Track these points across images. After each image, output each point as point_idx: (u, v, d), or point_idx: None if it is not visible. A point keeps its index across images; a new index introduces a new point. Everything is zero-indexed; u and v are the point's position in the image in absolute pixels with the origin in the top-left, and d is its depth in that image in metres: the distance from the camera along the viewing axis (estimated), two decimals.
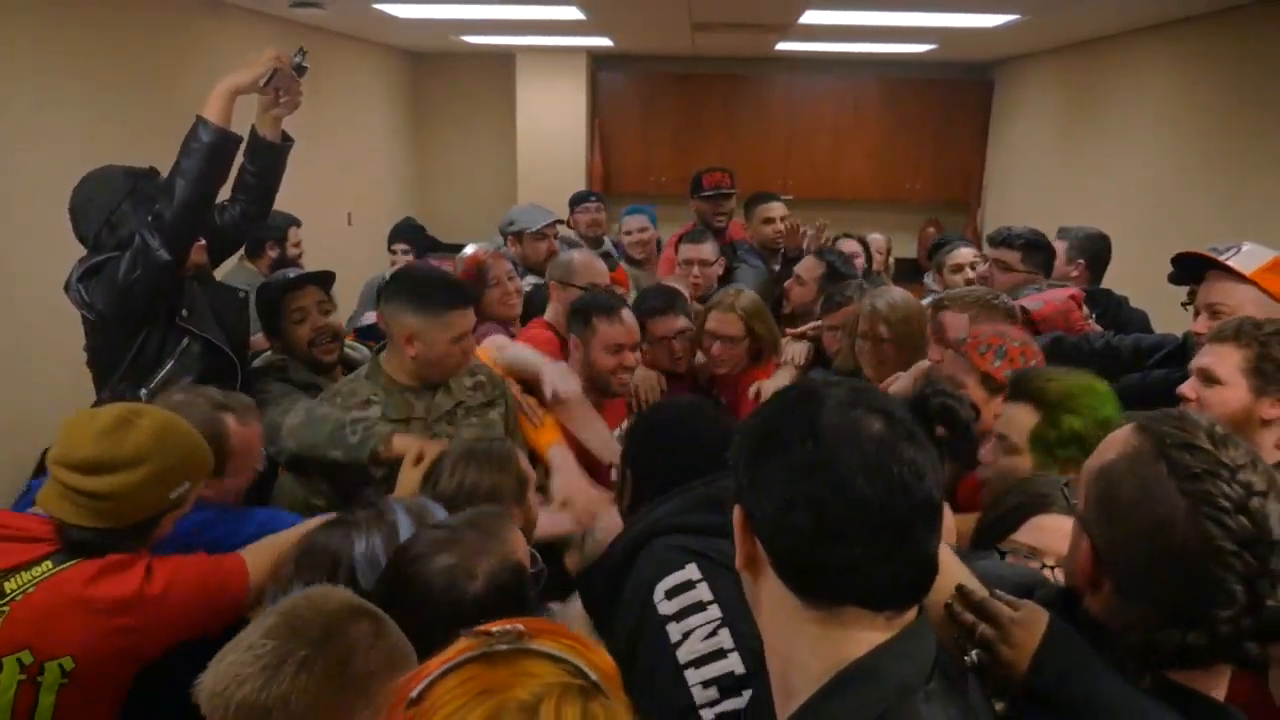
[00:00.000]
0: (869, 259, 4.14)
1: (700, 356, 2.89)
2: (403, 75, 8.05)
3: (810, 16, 4.91)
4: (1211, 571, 0.87)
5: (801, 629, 0.84)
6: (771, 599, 0.87)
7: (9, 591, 1.38)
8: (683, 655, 1.17)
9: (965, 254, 3.60)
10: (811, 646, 0.84)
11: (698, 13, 5.03)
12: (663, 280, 3.41)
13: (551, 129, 7.70)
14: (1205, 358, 1.74)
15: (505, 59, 7.71)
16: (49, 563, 1.42)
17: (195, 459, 1.54)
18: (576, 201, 4.61)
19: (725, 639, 1.17)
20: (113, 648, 1.42)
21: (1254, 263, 1.99)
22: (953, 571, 1.01)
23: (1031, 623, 0.93)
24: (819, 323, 2.91)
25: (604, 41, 6.92)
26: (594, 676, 0.73)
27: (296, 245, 3.97)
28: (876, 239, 4.69)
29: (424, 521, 1.43)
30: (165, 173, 2.29)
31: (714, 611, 1.20)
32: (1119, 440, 0.98)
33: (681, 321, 2.76)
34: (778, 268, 3.91)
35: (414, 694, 0.72)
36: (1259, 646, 0.88)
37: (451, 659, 0.73)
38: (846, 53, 7.32)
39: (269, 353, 2.61)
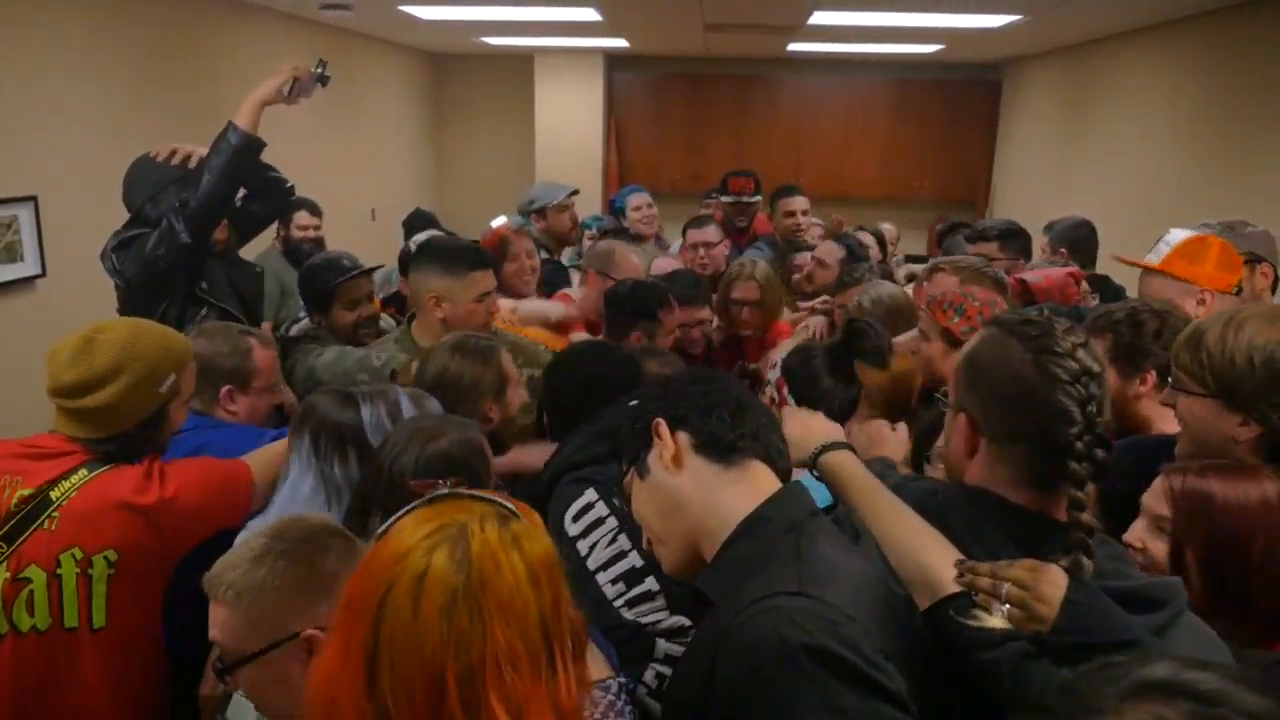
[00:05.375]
0: (884, 249, 4.35)
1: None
2: (425, 76, 8.27)
3: (819, 18, 5.08)
4: (1057, 400, 1.13)
5: (723, 490, 1.14)
6: (697, 478, 1.16)
7: (55, 499, 1.57)
8: (592, 563, 1.44)
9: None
10: (730, 501, 1.13)
11: (710, 14, 5.20)
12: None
13: (568, 128, 7.90)
14: None
15: (524, 60, 7.92)
16: (84, 470, 1.60)
17: (170, 352, 1.68)
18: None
19: (624, 541, 1.45)
20: (145, 542, 1.60)
21: (1168, 249, 2.17)
22: (907, 517, 1.22)
23: (1053, 574, 1.07)
24: (829, 297, 3.13)
25: (620, 43, 7.11)
26: (511, 508, 0.94)
27: (303, 229, 4.08)
28: (888, 229, 4.91)
29: (421, 403, 1.65)
30: None
31: (611, 522, 1.47)
32: (975, 337, 1.27)
33: (705, 312, 3.02)
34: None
35: (379, 531, 0.94)
36: (1103, 453, 1.13)
37: (406, 508, 0.95)
38: (855, 54, 7.48)
39: (304, 323, 2.81)
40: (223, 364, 1.98)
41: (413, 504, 0.95)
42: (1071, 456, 1.12)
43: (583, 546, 1.47)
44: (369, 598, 0.87)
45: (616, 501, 1.48)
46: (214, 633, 1.20)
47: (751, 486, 1.14)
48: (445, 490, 0.97)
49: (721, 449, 1.15)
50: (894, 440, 1.69)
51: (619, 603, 1.41)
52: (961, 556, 1.14)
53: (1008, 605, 1.07)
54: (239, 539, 1.30)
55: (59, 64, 3.68)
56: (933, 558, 1.15)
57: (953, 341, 2.01)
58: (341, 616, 0.91)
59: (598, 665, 1.21)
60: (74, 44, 3.77)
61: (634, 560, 1.43)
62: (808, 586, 0.98)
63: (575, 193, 3.98)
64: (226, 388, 1.98)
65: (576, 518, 1.50)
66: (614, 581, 1.42)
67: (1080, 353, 1.15)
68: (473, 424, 1.67)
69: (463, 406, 1.89)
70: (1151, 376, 1.77)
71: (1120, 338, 1.79)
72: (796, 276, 3.67)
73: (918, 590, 1.15)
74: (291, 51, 5.47)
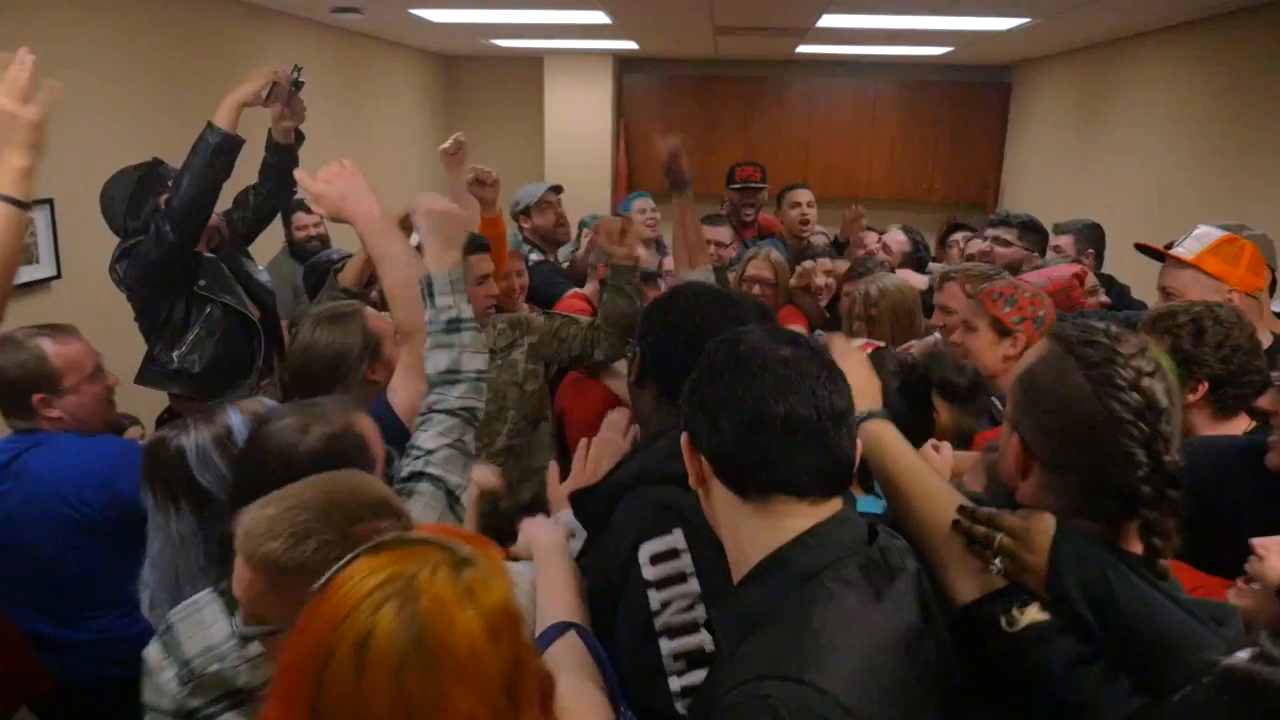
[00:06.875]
0: (927, 250, 4.38)
1: None
2: (435, 78, 8.30)
3: (828, 20, 5.08)
4: (1117, 440, 1.04)
5: (744, 522, 1.03)
6: (721, 504, 1.05)
7: None
8: (660, 623, 1.24)
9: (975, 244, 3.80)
10: (751, 536, 1.03)
11: (720, 16, 5.21)
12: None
13: (578, 130, 7.92)
14: None
15: (534, 62, 7.94)
16: None
17: None
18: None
19: (699, 613, 1.24)
20: None
21: (1199, 246, 2.13)
22: (950, 497, 1.16)
23: (1043, 521, 1.04)
24: (830, 266, 3.32)
25: (629, 45, 7.12)
26: (466, 552, 0.85)
27: (303, 227, 4.22)
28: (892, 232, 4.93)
29: (261, 419, 1.49)
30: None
31: (694, 584, 1.25)
32: (1037, 348, 1.17)
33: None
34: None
35: (319, 583, 0.84)
36: (1175, 491, 1.04)
37: (349, 556, 0.86)
38: (865, 56, 7.47)
39: None
40: (17, 375, 1.87)
41: (356, 551, 0.86)
42: (1142, 502, 1.04)
43: (654, 599, 1.25)
44: (309, 662, 0.79)
45: (703, 556, 1.25)
46: (238, 589, 1.12)
47: (772, 522, 1.01)
48: (388, 538, 0.88)
49: (732, 481, 1.03)
50: (942, 458, 1.70)
51: (675, 685, 1.21)
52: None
53: (999, 559, 1.05)
54: (287, 489, 1.16)
55: (73, 67, 3.71)
56: None
57: (1003, 330, 2.02)
58: (282, 680, 0.83)
59: (593, 713, 1.12)
60: (89, 48, 3.80)
61: (704, 640, 1.22)
62: (807, 665, 0.91)
63: (559, 189, 4.01)
64: (37, 396, 1.88)
65: (657, 560, 1.28)
66: (676, 657, 1.22)
67: (1146, 382, 1.05)
68: (351, 409, 1.48)
69: (341, 377, 1.89)
70: (1203, 388, 1.71)
71: (1179, 343, 1.72)
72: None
73: (965, 576, 1.10)
74: (303, 54, 5.50)
